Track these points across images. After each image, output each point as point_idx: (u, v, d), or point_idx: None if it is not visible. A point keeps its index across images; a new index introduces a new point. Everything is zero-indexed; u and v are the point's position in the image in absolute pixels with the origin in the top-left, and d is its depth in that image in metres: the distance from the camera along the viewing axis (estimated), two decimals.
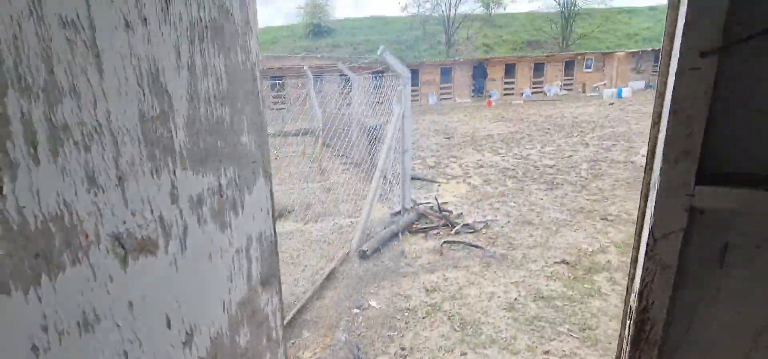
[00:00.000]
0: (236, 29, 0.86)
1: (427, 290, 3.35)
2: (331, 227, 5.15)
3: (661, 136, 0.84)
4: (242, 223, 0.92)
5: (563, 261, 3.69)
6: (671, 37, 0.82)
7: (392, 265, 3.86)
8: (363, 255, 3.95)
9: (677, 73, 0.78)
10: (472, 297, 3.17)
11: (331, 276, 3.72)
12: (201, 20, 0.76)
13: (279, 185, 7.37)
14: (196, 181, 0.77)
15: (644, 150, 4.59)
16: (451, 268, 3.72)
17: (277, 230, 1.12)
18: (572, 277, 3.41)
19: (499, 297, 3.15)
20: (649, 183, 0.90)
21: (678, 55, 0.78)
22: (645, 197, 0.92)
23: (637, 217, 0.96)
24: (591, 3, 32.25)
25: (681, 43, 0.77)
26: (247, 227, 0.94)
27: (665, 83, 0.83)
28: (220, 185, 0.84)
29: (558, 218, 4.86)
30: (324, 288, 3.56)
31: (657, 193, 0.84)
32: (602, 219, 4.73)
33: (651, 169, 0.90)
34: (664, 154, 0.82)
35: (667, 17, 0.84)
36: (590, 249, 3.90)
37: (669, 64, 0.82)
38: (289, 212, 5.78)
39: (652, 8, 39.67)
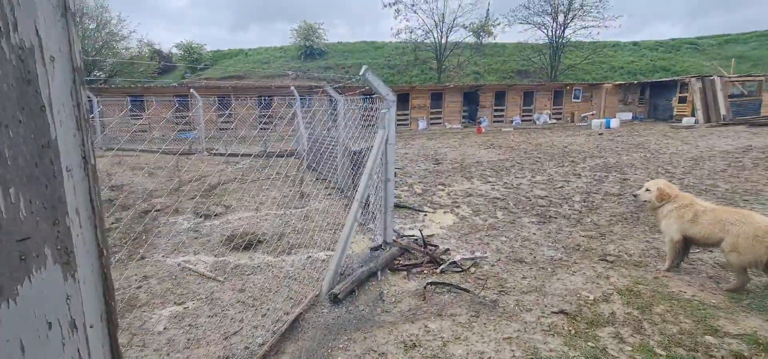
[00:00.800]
0: None
1: (405, 346, 2.86)
2: (304, 262, 4.63)
3: None
4: None
5: (562, 311, 3.24)
6: None
7: (367, 312, 3.36)
8: (335, 299, 3.45)
9: None
10: (457, 358, 2.68)
11: (295, 325, 3.19)
12: None
13: (254, 210, 6.83)
14: None
15: (650, 184, 4.22)
16: (435, 317, 3.24)
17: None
18: (573, 332, 2.96)
19: (490, 358, 2.68)
20: None
21: None
22: None
23: None
24: (578, 36, 32.99)
25: None
26: None
27: None
28: None
29: (553, 257, 4.43)
30: (286, 339, 3.03)
31: None
32: (601, 260, 4.33)
33: None
34: None
35: None
36: (591, 297, 3.46)
37: None
38: (260, 242, 5.25)
39: (635, 43, 41.03)
